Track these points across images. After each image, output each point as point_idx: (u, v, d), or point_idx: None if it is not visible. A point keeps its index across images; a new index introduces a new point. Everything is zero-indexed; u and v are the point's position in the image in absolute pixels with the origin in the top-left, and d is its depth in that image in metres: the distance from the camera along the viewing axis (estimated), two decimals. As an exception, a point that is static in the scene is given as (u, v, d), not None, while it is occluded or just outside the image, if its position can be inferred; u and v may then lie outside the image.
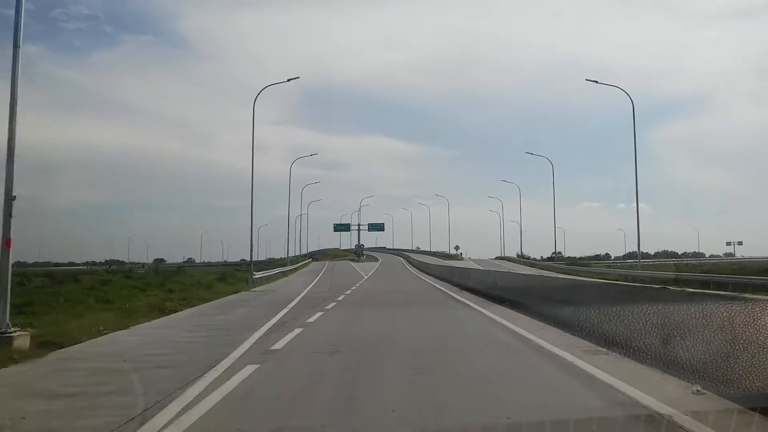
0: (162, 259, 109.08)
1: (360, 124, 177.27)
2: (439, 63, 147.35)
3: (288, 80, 38.54)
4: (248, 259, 40.85)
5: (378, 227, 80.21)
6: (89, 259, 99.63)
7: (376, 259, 70.20)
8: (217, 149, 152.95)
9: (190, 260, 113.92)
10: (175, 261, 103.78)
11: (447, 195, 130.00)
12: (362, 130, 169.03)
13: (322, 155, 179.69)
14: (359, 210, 76.15)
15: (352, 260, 67.05)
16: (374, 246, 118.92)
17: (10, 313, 9.92)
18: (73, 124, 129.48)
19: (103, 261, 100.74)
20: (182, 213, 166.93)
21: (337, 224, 79.64)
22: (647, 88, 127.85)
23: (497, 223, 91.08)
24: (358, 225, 77.59)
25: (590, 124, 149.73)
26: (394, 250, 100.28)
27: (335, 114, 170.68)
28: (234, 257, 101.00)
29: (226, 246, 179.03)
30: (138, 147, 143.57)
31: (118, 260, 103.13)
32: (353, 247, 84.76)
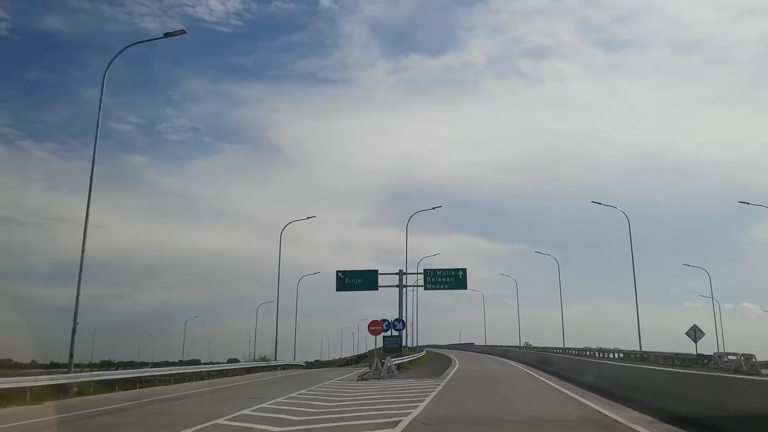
0: (236, 359, 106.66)
1: (444, 223, 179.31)
2: (521, 162, 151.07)
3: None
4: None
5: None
6: (171, 358, 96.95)
7: (448, 364, 43.24)
8: (305, 249, 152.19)
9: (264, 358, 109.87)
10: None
11: (529, 291, 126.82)
12: (446, 229, 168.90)
13: (412, 255, 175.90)
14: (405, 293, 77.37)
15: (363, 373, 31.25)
16: (455, 343, 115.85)
17: None
18: (171, 227, 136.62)
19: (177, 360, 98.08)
20: (267, 312, 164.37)
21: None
22: (742, 182, 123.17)
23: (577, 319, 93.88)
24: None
25: (682, 220, 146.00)
26: (461, 345, 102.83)
27: (418, 214, 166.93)
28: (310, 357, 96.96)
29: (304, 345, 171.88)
30: (230, 248, 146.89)
31: (196, 360, 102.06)
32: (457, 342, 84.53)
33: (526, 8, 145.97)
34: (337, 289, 45.33)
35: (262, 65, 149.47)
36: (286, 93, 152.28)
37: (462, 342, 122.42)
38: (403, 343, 52.53)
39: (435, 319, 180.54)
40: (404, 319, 40.13)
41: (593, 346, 65.23)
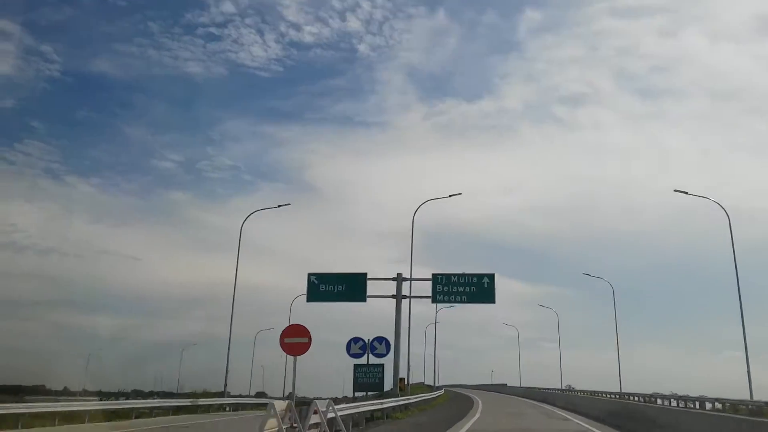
0: (263, 393, 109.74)
1: (479, 265, 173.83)
2: (557, 206, 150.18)
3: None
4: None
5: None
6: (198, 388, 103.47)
7: (465, 411, 31.81)
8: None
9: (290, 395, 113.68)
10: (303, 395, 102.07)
11: (564, 335, 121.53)
12: (480, 271, 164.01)
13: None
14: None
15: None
16: (485, 384, 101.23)
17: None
18: (208, 262, 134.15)
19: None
20: (321, 348, 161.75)
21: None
22: None
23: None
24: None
25: (724, 267, 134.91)
26: (492, 386, 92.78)
27: (453, 255, 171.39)
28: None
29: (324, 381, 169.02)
30: (265, 283, 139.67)
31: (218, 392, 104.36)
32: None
33: (561, 57, 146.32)
34: (309, 299, 31.71)
35: (301, 108, 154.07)
36: (323, 135, 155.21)
37: (494, 383, 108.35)
38: (407, 379, 38.81)
39: (463, 359, 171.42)
40: (391, 341, 25.68)
41: (665, 392, 50.30)
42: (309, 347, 13.63)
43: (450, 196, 37.30)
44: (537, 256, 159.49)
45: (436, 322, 67.48)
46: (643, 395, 50.84)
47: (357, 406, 18.03)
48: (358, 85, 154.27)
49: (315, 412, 13.27)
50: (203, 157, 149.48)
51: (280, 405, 12.60)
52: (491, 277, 31.02)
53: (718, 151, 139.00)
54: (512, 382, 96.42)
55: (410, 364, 37.76)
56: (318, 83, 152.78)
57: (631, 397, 51.01)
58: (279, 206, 40.38)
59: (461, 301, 31.13)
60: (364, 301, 31.63)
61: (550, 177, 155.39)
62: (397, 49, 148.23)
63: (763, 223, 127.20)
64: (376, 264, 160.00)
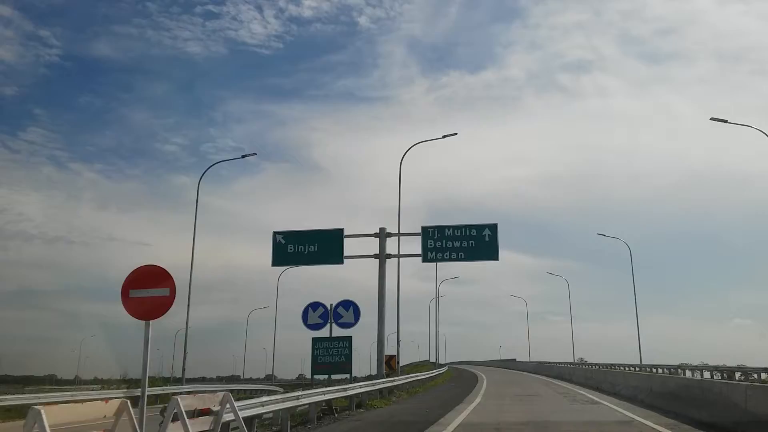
0: (302, 375, 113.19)
1: None
2: (564, 177, 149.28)
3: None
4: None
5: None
6: (216, 374, 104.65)
7: (467, 391, 27.13)
8: (345, 266, 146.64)
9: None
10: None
11: (576, 308, 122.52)
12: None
13: (448, 271, 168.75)
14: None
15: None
16: (494, 359, 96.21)
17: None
18: (215, 245, 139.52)
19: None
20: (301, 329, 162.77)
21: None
22: None
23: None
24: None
25: (733, 233, 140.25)
26: (501, 361, 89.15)
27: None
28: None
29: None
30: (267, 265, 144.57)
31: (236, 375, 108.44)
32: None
33: (565, 23, 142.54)
34: (275, 263, 26.06)
35: (303, 85, 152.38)
36: (326, 112, 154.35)
37: (502, 358, 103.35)
38: (398, 356, 33.58)
39: (471, 335, 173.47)
40: (359, 306, 19.72)
41: (695, 362, 44.87)
42: (171, 304, 7.84)
43: (444, 137, 34.22)
44: (542, 228, 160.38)
45: (437, 296, 62.21)
46: (669, 366, 45.33)
47: (293, 398, 12.37)
48: (360, 59, 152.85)
49: (176, 419, 7.56)
50: (207, 139, 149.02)
51: (111, 406, 6.93)
52: (493, 228, 25.17)
53: (726, 115, 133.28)
54: (521, 358, 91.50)
55: (403, 339, 32.65)
56: (319, 59, 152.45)
57: (656, 369, 45.51)
58: (243, 156, 37.34)
59: (458, 259, 25.32)
60: (341, 262, 25.91)
61: (555, 147, 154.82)
62: (398, 20, 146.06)
63: None
64: (387, 245, 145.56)
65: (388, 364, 32.21)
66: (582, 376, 33.82)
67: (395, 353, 33.10)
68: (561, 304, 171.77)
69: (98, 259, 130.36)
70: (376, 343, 25.61)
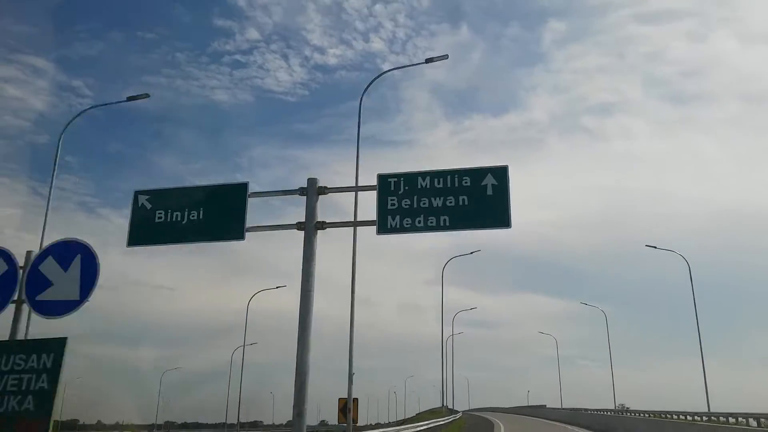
0: (324, 421, 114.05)
1: (511, 283, 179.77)
2: (590, 219, 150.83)
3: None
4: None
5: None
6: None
7: None
8: (370, 310, 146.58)
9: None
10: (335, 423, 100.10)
11: (605, 353, 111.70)
12: (514, 288, 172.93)
13: (475, 314, 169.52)
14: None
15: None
16: (521, 405, 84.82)
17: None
18: (237, 288, 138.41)
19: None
20: (337, 374, 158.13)
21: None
22: None
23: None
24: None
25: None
26: (529, 408, 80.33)
27: (486, 272, 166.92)
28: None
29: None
30: (295, 309, 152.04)
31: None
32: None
33: (587, 67, 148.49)
34: (133, 241, 15.23)
35: (327, 131, 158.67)
36: (349, 156, 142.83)
37: (530, 405, 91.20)
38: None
39: (497, 381, 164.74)
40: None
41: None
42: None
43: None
44: (567, 271, 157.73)
45: (452, 340, 51.19)
46: (751, 414, 33.51)
47: None
48: (384, 103, 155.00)
49: None
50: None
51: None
52: (500, 174, 13.83)
53: (753, 156, 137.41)
54: (551, 404, 79.33)
55: (424, 386, 22.93)
56: (343, 105, 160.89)
57: (736, 420, 33.67)
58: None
59: (441, 226, 13.56)
60: (241, 237, 14.96)
61: (580, 189, 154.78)
62: (421, 66, 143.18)
63: None
64: (414, 288, 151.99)
65: (344, 412, 21.50)
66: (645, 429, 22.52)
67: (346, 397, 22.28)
68: (591, 348, 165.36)
69: (125, 304, 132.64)
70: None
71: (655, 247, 46.57)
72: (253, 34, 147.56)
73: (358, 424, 23.05)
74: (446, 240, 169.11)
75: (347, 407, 21.95)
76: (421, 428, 26.59)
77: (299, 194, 14.96)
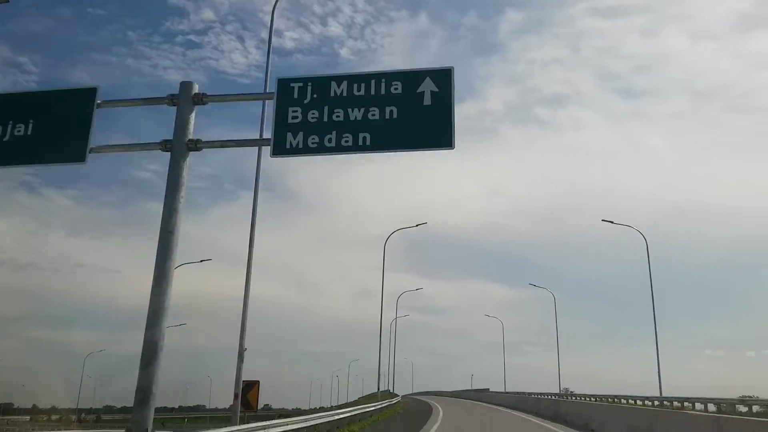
0: (268, 405, 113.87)
1: (461, 269, 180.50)
2: (540, 209, 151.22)
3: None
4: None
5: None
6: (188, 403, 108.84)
7: None
8: (322, 296, 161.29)
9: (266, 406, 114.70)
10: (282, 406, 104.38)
11: (550, 339, 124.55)
12: (463, 274, 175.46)
13: (425, 300, 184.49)
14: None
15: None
16: (465, 389, 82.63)
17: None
18: (189, 274, 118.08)
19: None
20: (287, 358, 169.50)
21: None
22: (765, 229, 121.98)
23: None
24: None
25: (705, 265, 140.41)
26: (474, 391, 77.10)
27: (437, 259, 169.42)
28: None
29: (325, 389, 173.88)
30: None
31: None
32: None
33: (543, 58, 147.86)
34: None
35: None
36: None
37: (474, 388, 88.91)
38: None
39: (445, 366, 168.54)
40: None
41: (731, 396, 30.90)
42: None
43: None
44: (517, 259, 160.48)
45: (384, 316, 47.30)
46: (725, 401, 31.06)
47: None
48: None
49: None
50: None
51: None
52: (442, 77, 9.68)
53: (700, 151, 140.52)
54: (495, 388, 77.09)
55: (370, 370, 30.98)
56: None
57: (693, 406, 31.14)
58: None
59: (359, 146, 9.37)
60: (82, 159, 10.40)
61: (532, 179, 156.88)
62: (379, 53, 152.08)
63: (743, 220, 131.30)
64: (365, 274, 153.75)
65: (245, 398, 17.45)
66: (609, 418, 19.10)
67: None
68: (536, 335, 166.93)
69: (68, 286, 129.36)
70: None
71: (612, 222, 44.52)
72: (208, 14, 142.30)
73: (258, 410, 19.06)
74: (395, 226, 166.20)
75: (250, 390, 17.99)
76: (342, 416, 22.72)
77: (168, 104, 10.45)
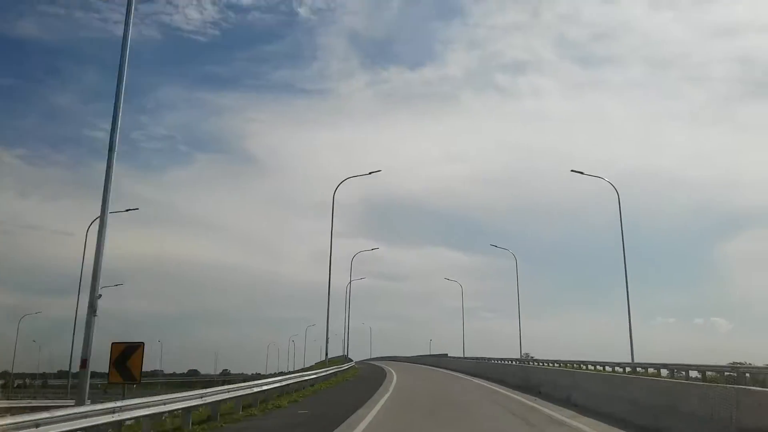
0: (227, 370, 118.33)
1: (421, 236, 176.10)
2: (499, 176, 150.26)
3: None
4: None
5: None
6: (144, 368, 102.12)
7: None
8: (280, 261, 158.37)
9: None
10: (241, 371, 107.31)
11: (508, 306, 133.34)
12: (423, 241, 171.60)
13: (385, 266, 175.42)
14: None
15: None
16: (423, 354, 79.83)
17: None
18: (144, 237, 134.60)
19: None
20: (248, 324, 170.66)
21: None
22: (720, 199, 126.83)
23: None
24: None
25: (660, 234, 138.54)
26: (432, 356, 76.92)
27: (397, 226, 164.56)
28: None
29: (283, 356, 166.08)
30: (206, 259, 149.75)
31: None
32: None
33: (504, 23, 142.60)
34: None
35: (240, 75, 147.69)
36: (263, 103, 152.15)
37: (433, 353, 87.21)
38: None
39: (403, 332, 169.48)
40: None
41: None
42: None
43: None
44: (476, 226, 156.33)
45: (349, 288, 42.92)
46: (712, 368, 27.75)
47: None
48: (299, 50, 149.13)
49: None
50: (137, 127, 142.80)
51: None
52: None
53: (657, 119, 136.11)
54: (453, 353, 73.90)
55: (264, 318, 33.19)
56: (257, 48, 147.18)
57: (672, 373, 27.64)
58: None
59: None
60: None
61: (491, 146, 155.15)
62: (339, 12, 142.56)
63: (697, 189, 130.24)
64: (324, 239, 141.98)
65: (123, 364, 12.82)
66: (586, 387, 14.93)
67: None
68: (495, 301, 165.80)
69: (18, 249, 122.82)
70: None
71: (582, 173, 40.96)
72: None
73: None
74: (357, 193, 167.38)
75: (132, 355, 13.27)
76: (269, 387, 18.13)
77: None
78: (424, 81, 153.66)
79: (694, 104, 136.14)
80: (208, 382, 77.41)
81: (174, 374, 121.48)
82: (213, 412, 14.22)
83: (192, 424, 12.75)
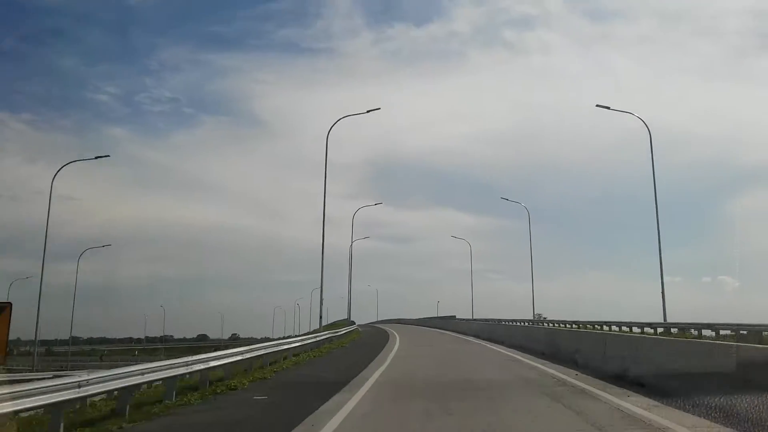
0: (236, 335, 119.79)
1: (427, 197, 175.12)
2: (506, 134, 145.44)
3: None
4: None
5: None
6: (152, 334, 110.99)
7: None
8: (288, 224, 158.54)
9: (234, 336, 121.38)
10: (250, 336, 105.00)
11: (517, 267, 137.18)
12: (429, 203, 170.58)
13: (390, 229, 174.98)
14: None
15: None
16: (431, 316, 75.95)
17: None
18: (150, 200, 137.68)
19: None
20: (257, 288, 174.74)
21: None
22: (729, 156, 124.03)
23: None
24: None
25: (668, 192, 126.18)
26: (439, 318, 73.18)
27: (402, 188, 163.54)
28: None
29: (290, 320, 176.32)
30: (212, 222, 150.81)
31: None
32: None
33: None
34: None
35: (243, 34, 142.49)
36: (268, 63, 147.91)
37: (440, 315, 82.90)
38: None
39: (411, 294, 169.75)
40: None
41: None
42: None
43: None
44: (485, 186, 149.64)
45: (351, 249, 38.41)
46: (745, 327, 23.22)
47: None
48: (303, 7, 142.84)
49: None
50: (141, 89, 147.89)
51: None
52: None
53: (667, 75, 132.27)
54: (462, 315, 69.49)
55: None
56: (260, 6, 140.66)
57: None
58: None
59: None
60: None
61: (499, 104, 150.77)
62: None
63: (707, 145, 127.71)
64: (329, 202, 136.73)
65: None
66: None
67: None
68: (503, 263, 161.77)
69: (27, 214, 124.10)
70: None
71: (608, 108, 36.15)
72: None
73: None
74: (361, 155, 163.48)
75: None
76: (253, 355, 13.66)
77: None
78: (430, 37, 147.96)
79: (706, 59, 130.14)
80: (215, 347, 74.10)
81: (184, 339, 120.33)
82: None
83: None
